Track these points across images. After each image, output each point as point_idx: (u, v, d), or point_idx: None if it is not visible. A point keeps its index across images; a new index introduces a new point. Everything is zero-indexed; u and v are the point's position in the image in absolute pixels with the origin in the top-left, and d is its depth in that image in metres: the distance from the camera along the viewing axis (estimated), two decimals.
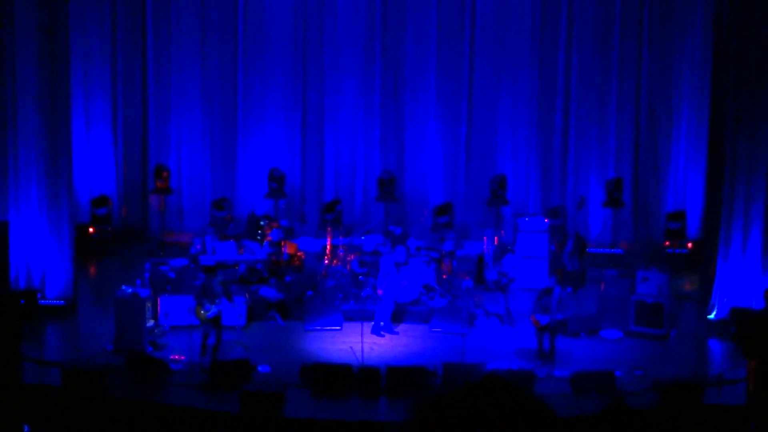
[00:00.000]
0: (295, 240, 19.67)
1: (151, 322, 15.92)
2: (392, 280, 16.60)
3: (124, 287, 16.16)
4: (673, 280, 17.78)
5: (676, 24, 20.65)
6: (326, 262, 18.85)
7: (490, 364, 14.46)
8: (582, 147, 21.46)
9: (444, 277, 18.00)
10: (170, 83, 21.62)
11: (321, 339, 16.16)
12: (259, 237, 18.95)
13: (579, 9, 21.12)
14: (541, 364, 14.91)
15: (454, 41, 21.49)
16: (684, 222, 20.59)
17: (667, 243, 20.44)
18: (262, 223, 19.30)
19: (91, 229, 20.62)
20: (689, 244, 20.28)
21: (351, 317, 16.67)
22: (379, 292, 16.77)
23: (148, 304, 15.88)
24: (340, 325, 16.61)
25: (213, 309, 14.80)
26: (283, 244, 18.48)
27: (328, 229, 19.57)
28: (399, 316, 16.86)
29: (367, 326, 16.08)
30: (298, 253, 19.07)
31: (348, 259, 18.38)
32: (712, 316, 16.61)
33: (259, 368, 14.68)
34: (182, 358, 14.98)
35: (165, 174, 21.15)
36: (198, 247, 18.42)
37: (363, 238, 19.32)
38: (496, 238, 19.02)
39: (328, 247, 19.04)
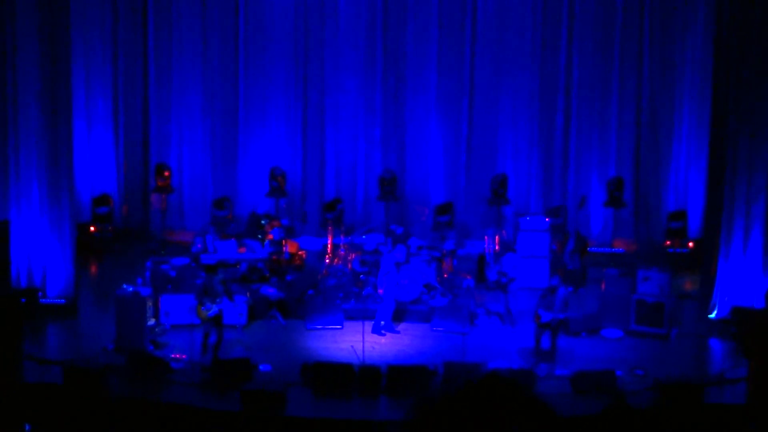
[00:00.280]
0: (296, 239, 19.66)
1: (152, 321, 15.94)
2: (393, 279, 16.61)
3: (125, 286, 16.18)
4: (674, 279, 17.78)
5: (677, 23, 20.64)
6: (327, 261, 18.85)
7: (491, 363, 14.48)
8: (583, 146, 21.44)
9: (445, 276, 18.00)
10: (171, 82, 21.61)
11: (322, 338, 16.18)
12: (260, 236, 18.93)
13: (580, 8, 21.10)
14: (538, 361, 14.91)
15: (455, 40, 21.46)
16: (685, 221, 20.59)
17: (668, 242, 20.45)
18: (263, 222, 19.29)
19: (92, 228, 20.64)
20: (690, 244, 20.28)
21: (352, 316, 16.68)
22: (380, 291, 16.78)
23: (149, 303, 15.90)
24: (341, 324, 16.62)
25: (214, 308, 14.80)
26: (284, 243, 18.49)
27: (329, 228, 19.55)
28: (400, 315, 16.87)
29: (368, 325, 16.09)
30: (299, 252, 19.08)
31: (349, 258, 18.38)
32: (712, 316, 16.60)
33: (260, 367, 14.69)
34: (183, 357, 14.99)
35: (166, 173, 21.16)
36: (199, 246, 18.40)
37: (364, 237, 19.30)
38: (497, 237, 19.02)
39: (329, 246, 19.05)
